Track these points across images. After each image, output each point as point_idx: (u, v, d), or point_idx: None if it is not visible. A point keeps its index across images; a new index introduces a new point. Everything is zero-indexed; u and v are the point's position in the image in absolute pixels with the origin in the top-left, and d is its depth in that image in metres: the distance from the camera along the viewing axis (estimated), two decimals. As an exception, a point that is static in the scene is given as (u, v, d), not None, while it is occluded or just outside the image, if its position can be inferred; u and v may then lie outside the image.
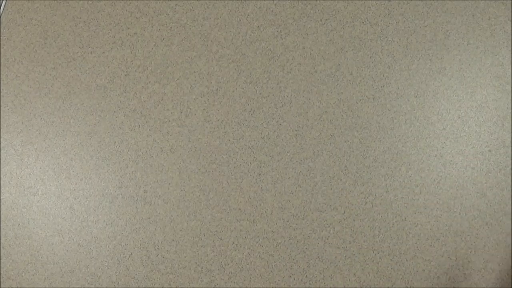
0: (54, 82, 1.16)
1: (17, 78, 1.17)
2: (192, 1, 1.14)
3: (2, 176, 1.14)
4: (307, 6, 1.11)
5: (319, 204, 1.05)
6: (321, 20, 1.10)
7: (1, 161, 1.14)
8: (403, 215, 1.03)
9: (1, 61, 1.18)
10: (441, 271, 1.01)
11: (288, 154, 1.07)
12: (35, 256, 1.11)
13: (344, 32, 1.09)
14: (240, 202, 1.06)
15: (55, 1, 1.19)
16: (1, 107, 1.16)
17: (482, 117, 1.04)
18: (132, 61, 1.14)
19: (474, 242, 1.01)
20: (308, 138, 1.07)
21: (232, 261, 1.05)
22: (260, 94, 1.09)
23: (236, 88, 1.10)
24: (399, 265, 1.02)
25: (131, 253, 1.08)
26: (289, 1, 1.11)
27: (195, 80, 1.11)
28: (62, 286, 1.09)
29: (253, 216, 1.06)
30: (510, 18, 1.05)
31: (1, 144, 1.15)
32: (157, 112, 1.11)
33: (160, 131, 1.11)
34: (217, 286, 1.05)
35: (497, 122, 1.03)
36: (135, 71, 1.13)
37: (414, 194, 1.03)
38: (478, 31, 1.06)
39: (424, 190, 1.03)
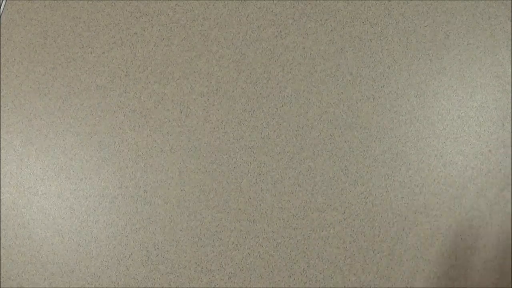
0: (54, 82, 1.16)
1: (17, 78, 1.17)
2: (192, 1, 1.14)
3: (2, 176, 1.14)
4: (307, 6, 1.11)
5: (319, 204, 1.05)
6: (321, 20, 1.10)
7: (1, 161, 1.14)
8: (403, 215, 1.03)
9: (1, 61, 1.18)
10: (441, 271, 1.01)
11: (288, 154, 1.07)
12: (35, 256, 1.11)
13: (344, 32, 1.09)
14: (240, 202, 1.06)
15: (55, 1, 1.19)
16: (1, 107, 1.16)
17: (482, 117, 1.04)
18: (132, 61, 1.14)
19: (474, 242, 1.01)
20: (308, 138, 1.07)
21: (232, 261, 1.05)
22: (260, 94, 1.09)
23: (236, 88, 1.10)
24: (399, 265, 1.02)
25: (131, 253, 1.08)
26: (289, 1, 1.11)
27: (195, 80, 1.11)
28: (62, 286, 1.09)
29: (253, 216, 1.06)
30: (510, 18, 1.05)
31: (1, 144, 1.15)
32: (157, 112, 1.11)
33: (160, 131, 1.11)
34: (217, 286, 1.05)
35: (497, 122, 1.03)
36: (135, 71, 1.13)
37: (414, 194, 1.03)
38: (478, 31, 1.06)
39: (424, 190, 1.03)
